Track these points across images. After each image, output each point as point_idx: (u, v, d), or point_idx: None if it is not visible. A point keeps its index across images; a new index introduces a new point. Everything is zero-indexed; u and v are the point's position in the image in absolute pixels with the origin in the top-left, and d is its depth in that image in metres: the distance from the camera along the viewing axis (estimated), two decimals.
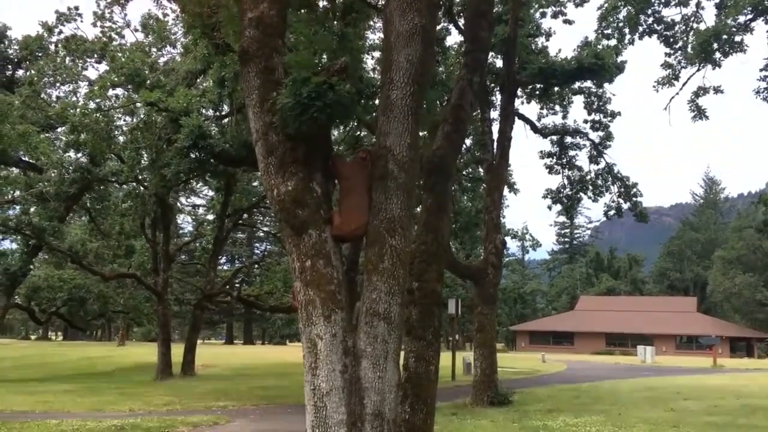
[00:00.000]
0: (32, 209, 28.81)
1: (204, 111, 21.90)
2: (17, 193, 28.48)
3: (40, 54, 26.36)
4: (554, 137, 25.74)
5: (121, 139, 23.55)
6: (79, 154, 26.17)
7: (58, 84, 26.03)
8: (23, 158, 27.07)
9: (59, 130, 26.05)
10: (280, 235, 6.42)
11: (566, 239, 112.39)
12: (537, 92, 24.15)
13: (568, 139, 25.82)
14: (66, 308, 43.72)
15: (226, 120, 22.40)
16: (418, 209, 8.21)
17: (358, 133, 23.82)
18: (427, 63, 6.05)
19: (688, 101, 19.74)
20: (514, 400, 18.92)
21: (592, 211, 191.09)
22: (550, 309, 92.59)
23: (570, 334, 71.31)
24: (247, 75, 5.96)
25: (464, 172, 27.44)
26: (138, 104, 21.49)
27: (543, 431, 13.42)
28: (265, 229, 53.80)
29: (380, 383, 5.20)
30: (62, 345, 62.97)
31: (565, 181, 26.41)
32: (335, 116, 5.53)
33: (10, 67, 27.08)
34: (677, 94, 20.19)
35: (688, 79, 19.81)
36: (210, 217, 43.40)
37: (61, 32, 25.59)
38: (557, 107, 25.48)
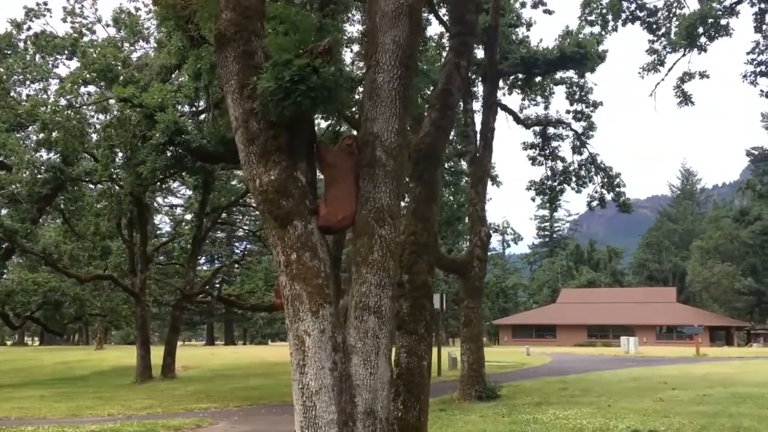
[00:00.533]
0: (3, 211, 28.16)
1: (180, 107, 21.45)
2: None
3: (9, 52, 25.68)
4: (537, 128, 25.67)
5: (94, 137, 23.03)
6: (51, 154, 25.56)
7: (28, 82, 25.43)
8: None
9: (30, 129, 25.45)
10: (264, 227, 6.09)
11: (546, 233, 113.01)
12: (519, 82, 24.06)
13: (551, 130, 25.80)
14: (41, 312, 42.95)
15: (202, 116, 21.98)
16: (403, 203, 7.94)
17: (338, 128, 23.51)
18: (414, 44, 5.78)
19: (674, 87, 19.76)
20: (502, 394, 18.77)
21: (571, 204, 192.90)
22: (531, 303, 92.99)
23: (552, 327, 71.64)
24: (224, 60, 5.62)
25: (446, 166, 27.27)
26: (111, 101, 20.99)
27: (534, 425, 13.22)
28: (245, 227, 53.31)
29: (372, 380, 4.92)
30: (38, 350, 61.89)
31: (549, 173, 26.37)
32: (320, 101, 5.19)
33: None
34: (663, 80, 20.21)
35: (674, 64, 19.82)
36: (188, 216, 42.90)
37: (30, 28, 24.96)
38: (539, 98, 25.45)
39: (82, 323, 64.59)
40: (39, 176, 25.32)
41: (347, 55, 21.31)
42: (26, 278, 39.04)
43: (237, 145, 5.50)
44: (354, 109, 18.92)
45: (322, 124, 22.56)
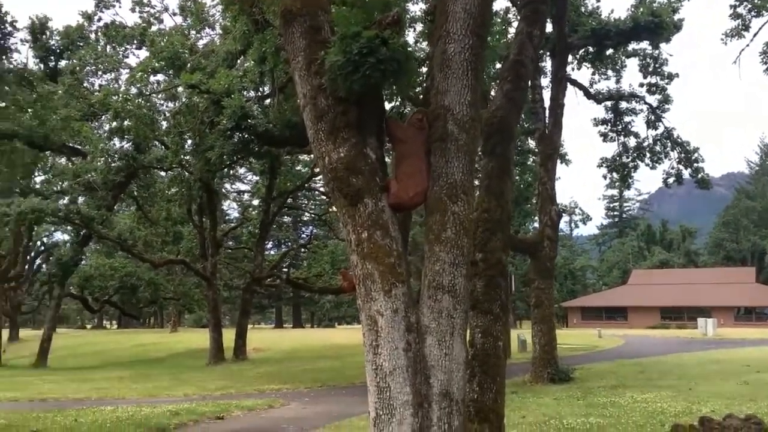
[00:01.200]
0: (81, 199, 29.15)
1: (245, 92, 21.65)
2: (65, 183, 28.84)
3: (81, 43, 26.47)
4: (608, 103, 24.85)
5: (164, 124, 23.53)
6: (124, 142, 26.30)
7: (99, 72, 26.15)
8: (67, 144, 27.26)
9: (103, 118, 26.18)
10: (334, 206, 5.96)
11: (616, 213, 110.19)
12: (589, 56, 23.29)
13: (623, 105, 24.96)
14: (118, 296, 44.64)
15: (268, 100, 22.14)
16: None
17: (403, 109, 23.32)
18: (486, 13, 5.54)
19: (761, 53, 18.71)
20: (576, 377, 18.37)
21: (642, 182, 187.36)
22: (600, 284, 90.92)
23: (623, 309, 69.90)
24: (291, 36, 5.50)
25: None
26: (179, 88, 21.36)
27: (611, 408, 12.82)
28: (311, 211, 53.82)
29: (447, 361, 4.76)
30: (116, 333, 64.26)
31: (621, 149, 25.54)
32: (389, 73, 5.00)
33: (52, 58, 27.30)
34: (747, 45, 19.13)
35: (759, 29, 18.69)
36: (255, 202, 43.64)
37: (100, 19, 25.67)
38: (610, 71, 24.60)
39: (157, 307, 66.91)
40: (113, 164, 26.09)
41: (410, 35, 21.03)
42: (103, 264, 40.62)
43: (305, 122, 5.38)
44: (418, 89, 18.70)
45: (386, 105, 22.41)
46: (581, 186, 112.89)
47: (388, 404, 4.68)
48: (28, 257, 46.18)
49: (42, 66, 27.46)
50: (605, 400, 13.98)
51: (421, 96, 17.62)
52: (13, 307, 49.53)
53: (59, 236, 44.97)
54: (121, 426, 12.14)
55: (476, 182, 7.76)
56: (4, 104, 16.69)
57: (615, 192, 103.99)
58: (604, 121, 25.53)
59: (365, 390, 4.78)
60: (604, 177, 27.53)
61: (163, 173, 30.92)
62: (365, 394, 4.79)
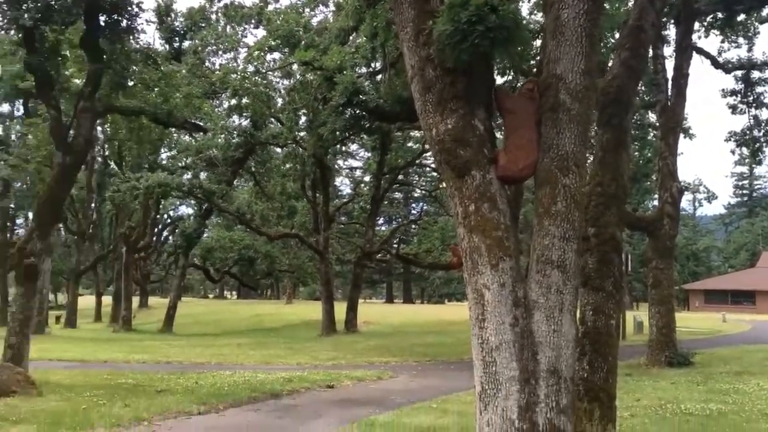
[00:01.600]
0: (203, 174, 30.56)
1: (357, 68, 21.88)
2: (189, 159, 30.30)
3: (203, 24, 27.56)
4: (739, 72, 23.20)
5: (279, 101, 24.16)
6: (242, 119, 27.26)
7: (220, 52, 27.18)
8: (188, 120, 28.61)
9: (222, 96, 27.24)
10: (441, 178, 5.91)
11: (745, 191, 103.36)
12: (718, 22, 21.76)
13: (756, 74, 23.21)
14: (237, 268, 46.62)
15: (379, 76, 22.28)
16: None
17: (515, 84, 22.86)
18: None
19: None
20: (696, 362, 17.49)
21: None
22: (726, 267, 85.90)
23: (751, 293, 65.79)
24: (400, 7, 5.46)
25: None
26: (294, 65, 21.86)
27: (734, 395, 12.15)
28: (422, 187, 53.96)
29: (555, 338, 4.63)
30: (235, 303, 67.30)
31: (752, 122, 23.86)
32: (499, 42, 4.86)
33: (177, 39, 28.61)
34: None
35: None
36: (366, 178, 44.24)
37: (220, 0, 26.61)
38: (741, 39, 22.89)
39: (273, 279, 69.39)
40: (232, 140, 27.16)
41: (524, 6, 20.48)
42: (223, 236, 42.56)
43: (413, 94, 5.35)
44: (531, 62, 18.22)
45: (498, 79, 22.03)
46: (707, 162, 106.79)
47: (494, 379, 4.62)
48: (156, 229, 49.22)
49: (167, 46, 28.89)
50: (728, 386, 13.25)
51: (534, 69, 17.19)
52: (142, 276, 53.11)
53: (184, 209, 47.64)
54: (238, 389, 12.72)
55: (591, 156, 7.50)
56: (132, 83, 17.76)
57: (745, 169, 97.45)
58: (733, 92, 23.89)
59: (473, 366, 4.74)
60: (733, 152, 26.21)
61: (278, 149, 31.87)
62: (473, 370, 4.76)
